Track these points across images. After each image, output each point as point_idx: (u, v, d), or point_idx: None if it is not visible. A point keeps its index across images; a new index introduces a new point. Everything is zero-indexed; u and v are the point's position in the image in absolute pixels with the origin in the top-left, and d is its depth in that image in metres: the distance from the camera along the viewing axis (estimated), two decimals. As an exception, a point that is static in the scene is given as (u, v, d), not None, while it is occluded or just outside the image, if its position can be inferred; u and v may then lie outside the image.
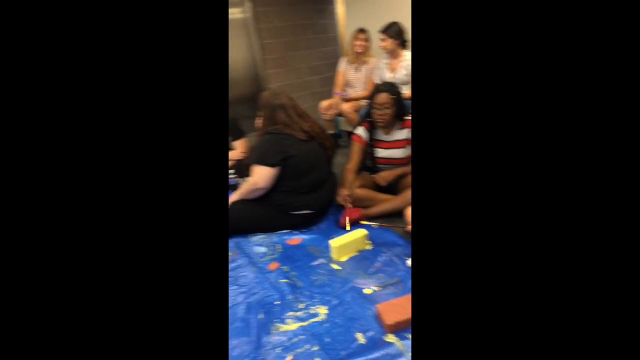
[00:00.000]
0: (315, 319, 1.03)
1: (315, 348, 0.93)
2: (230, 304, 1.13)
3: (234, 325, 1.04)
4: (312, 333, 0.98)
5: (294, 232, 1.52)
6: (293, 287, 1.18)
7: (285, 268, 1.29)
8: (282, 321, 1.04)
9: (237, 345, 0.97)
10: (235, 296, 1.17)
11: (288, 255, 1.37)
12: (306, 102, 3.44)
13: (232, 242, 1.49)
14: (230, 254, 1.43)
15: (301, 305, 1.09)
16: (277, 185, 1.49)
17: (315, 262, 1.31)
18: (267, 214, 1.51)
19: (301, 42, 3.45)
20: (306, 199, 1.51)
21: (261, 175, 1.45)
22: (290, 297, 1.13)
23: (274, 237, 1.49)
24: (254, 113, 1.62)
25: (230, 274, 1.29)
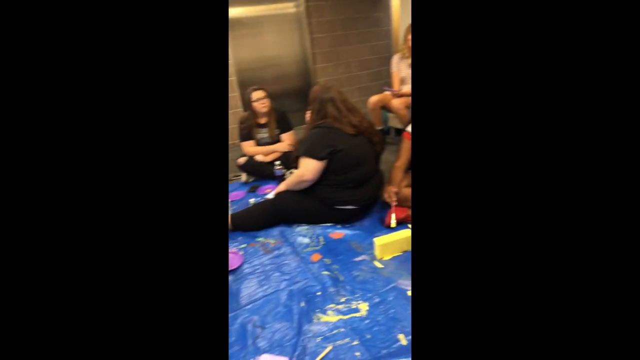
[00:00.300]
0: (356, 314, 1.03)
1: (356, 342, 0.93)
2: (273, 290, 1.18)
3: (276, 310, 1.08)
4: (353, 328, 0.98)
5: (337, 226, 1.53)
6: (335, 280, 1.19)
7: (327, 261, 1.30)
8: (324, 312, 1.05)
9: (279, 329, 1.01)
10: (279, 283, 1.21)
11: (330, 249, 1.38)
12: (354, 96, 3.41)
13: (276, 230, 1.55)
14: (274, 241, 1.48)
15: (342, 299, 1.10)
16: (323, 179, 1.50)
17: (358, 258, 1.30)
18: (311, 206, 1.53)
19: (352, 36, 3.41)
20: (351, 194, 1.51)
21: (308, 168, 1.47)
22: (331, 289, 1.14)
23: (317, 229, 1.51)
24: (302, 106, 1.65)
25: (274, 261, 1.34)
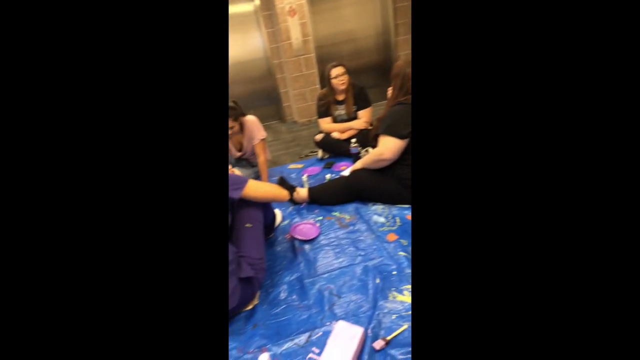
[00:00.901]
0: (434, 299, 1.01)
1: (433, 326, 0.92)
2: (348, 263, 1.22)
3: (351, 282, 1.13)
4: (430, 311, 0.97)
5: (415, 208, 1.47)
6: (411, 262, 1.17)
7: (404, 242, 1.28)
8: (400, 291, 1.05)
9: (354, 300, 1.05)
10: (354, 257, 1.25)
11: (406, 230, 1.35)
12: (437, 71, 3.12)
13: (351, 207, 1.57)
14: (349, 217, 1.51)
15: (419, 282, 1.08)
16: (402, 158, 1.45)
17: (437, 243, 1.24)
18: (388, 186, 1.50)
19: None
20: (433, 175, 1.42)
21: (388, 147, 1.43)
22: (408, 270, 1.13)
23: (393, 210, 1.49)
24: (381, 82, 1.58)
25: (349, 236, 1.38)
